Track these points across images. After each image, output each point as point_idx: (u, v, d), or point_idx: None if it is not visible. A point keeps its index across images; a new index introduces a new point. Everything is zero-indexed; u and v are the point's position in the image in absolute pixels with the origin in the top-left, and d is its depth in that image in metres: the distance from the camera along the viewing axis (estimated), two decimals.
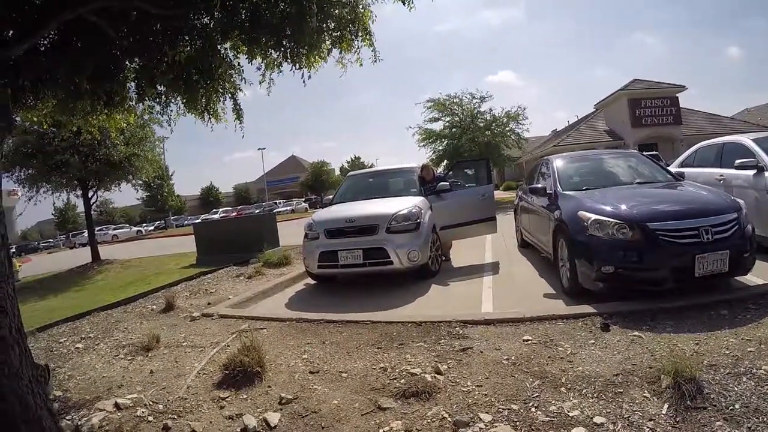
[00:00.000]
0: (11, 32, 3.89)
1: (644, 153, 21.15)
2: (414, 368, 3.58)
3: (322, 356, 4.16)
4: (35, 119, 5.32)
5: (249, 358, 3.82)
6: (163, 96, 4.96)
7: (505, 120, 26.82)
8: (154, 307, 7.17)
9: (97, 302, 7.86)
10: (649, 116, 30.65)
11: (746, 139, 7.00)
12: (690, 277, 4.47)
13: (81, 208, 19.85)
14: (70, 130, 10.51)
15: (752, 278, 5.06)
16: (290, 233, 12.55)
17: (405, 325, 4.72)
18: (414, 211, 6.87)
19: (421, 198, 7.56)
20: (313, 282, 7.80)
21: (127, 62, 4.68)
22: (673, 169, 8.13)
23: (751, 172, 6.45)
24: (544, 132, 53.97)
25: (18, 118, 5.57)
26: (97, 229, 19.05)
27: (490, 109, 27.50)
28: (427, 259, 6.82)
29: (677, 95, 31.13)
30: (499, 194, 28.52)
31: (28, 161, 13.87)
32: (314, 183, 62.93)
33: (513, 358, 3.64)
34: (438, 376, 3.39)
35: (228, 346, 4.68)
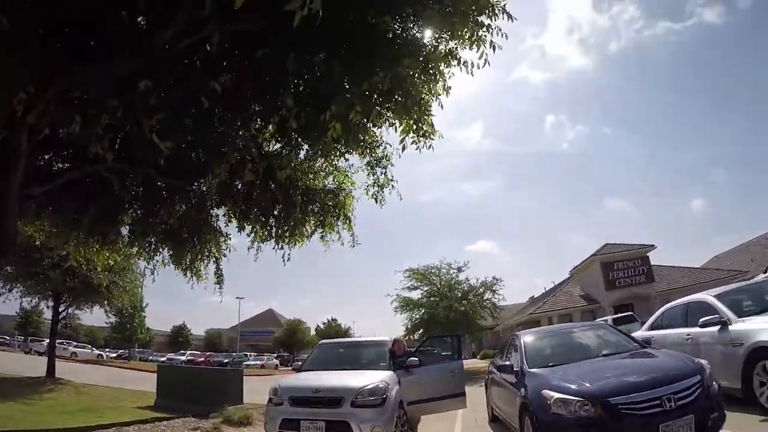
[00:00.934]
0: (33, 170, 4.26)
1: (619, 314, 21.07)
2: None
3: None
4: (30, 233, 5.52)
5: None
6: (152, 245, 5.26)
7: (482, 290, 27.67)
8: None
9: (43, 423, 7.48)
10: (622, 278, 31.49)
11: (708, 297, 7.26)
12: None
13: (47, 315, 19.25)
14: (59, 254, 10.68)
15: None
16: (255, 389, 12.13)
17: None
18: (381, 386, 6.78)
19: (390, 372, 7.50)
20: None
21: (126, 210, 5.04)
22: (642, 332, 8.28)
23: (715, 329, 6.61)
24: (522, 299, 54.50)
25: None
26: (57, 341, 18.32)
27: (467, 279, 28.55)
28: None
29: (648, 254, 32.32)
30: (475, 363, 28.50)
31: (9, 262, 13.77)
32: (288, 340, 61.97)
33: None
34: None
35: None
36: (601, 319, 21.17)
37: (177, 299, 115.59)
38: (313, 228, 4.81)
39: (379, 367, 7.74)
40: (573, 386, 5.01)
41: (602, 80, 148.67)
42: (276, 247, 4.76)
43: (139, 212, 5.06)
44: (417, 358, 8.00)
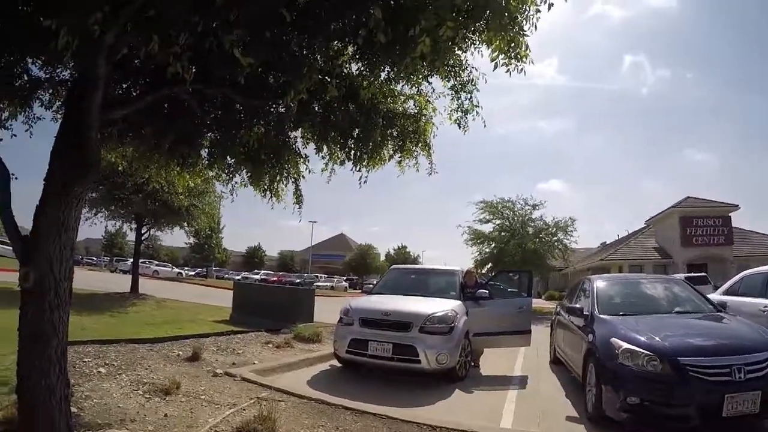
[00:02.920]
0: (112, 97, 4.43)
1: (692, 273, 20.19)
2: None
3: None
4: (113, 159, 5.81)
5: (263, 427, 3.90)
6: (231, 167, 5.40)
7: (554, 230, 26.78)
8: (180, 353, 7.29)
9: (127, 333, 8.04)
10: (700, 235, 29.97)
11: None
12: (717, 416, 4.31)
13: (131, 237, 20.87)
14: (141, 176, 11.24)
15: None
16: (326, 310, 12.67)
17: (420, 426, 4.68)
18: (450, 314, 6.95)
19: (459, 302, 7.60)
20: (339, 365, 7.82)
21: (205, 132, 5.17)
22: (717, 296, 7.91)
23: None
24: (591, 243, 53.09)
25: None
26: (140, 261, 19.84)
27: (541, 217, 27.69)
28: (455, 363, 6.80)
29: (730, 215, 30.45)
30: (540, 303, 28.12)
31: (96, 188, 14.77)
32: (358, 264, 63.44)
33: None
34: None
35: (244, 410, 4.75)
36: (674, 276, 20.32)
37: (253, 222, 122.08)
38: (391, 152, 4.75)
39: (449, 295, 7.89)
40: (643, 338, 4.92)
41: (686, 21, 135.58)
42: (354, 169, 4.75)
43: (218, 135, 5.15)
44: (487, 291, 8.07)
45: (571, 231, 26.80)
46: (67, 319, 3.05)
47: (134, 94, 4.53)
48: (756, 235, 32.53)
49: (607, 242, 48.93)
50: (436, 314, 6.86)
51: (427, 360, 6.52)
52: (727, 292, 8.32)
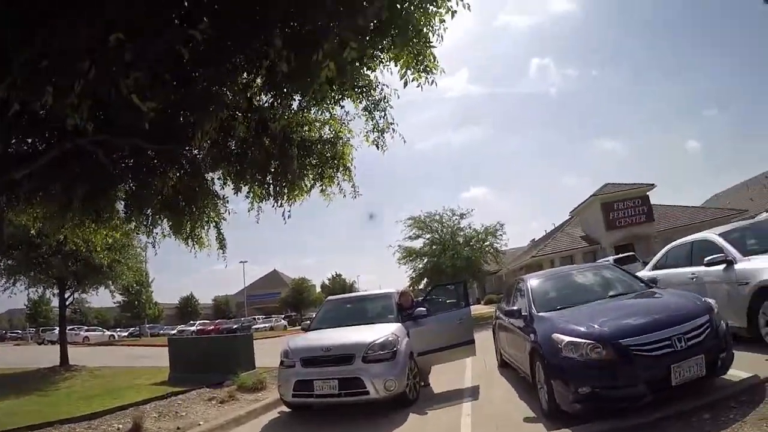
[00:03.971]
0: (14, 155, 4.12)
1: (620, 254, 21.29)
2: None
3: None
4: (24, 222, 5.41)
5: None
6: (150, 219, 5.13)
7: (484, 236, 27.54)
8: (120, 426, 6.81)
9: (61, 413, 7.51)
10: (622, 217, 31.68)
11: (713, 235, 7.21)
12: (667, 387, 4.46)
13: (55, 303, 19.51)
14: (57, 239, 10.57)
15: (735, 372, 5.00)
16: (267, 352, 12.24)
17: None
18: (390, 339, 6.85)
19: (398, 325, 7.53)
20: (288, 410, 7.52)
21: (118, 184, 4.89)
22: (646, 272, 8.30)
23: (720, 267, 6.57)
24: (521, 243, 55.19)
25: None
26: (68, 328, 18.54)
27: (470, 225, 28.48)
28: (404, 387, 6.69)
29: (647, 193, 32.41)
30: (480, 309, 28.64)
31: (10, 253, 13.81)
32: (295, 300, 62.62)
33: None
34: None
35: None
36: (603, 259, 21.35)
37: (183, 271, 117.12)
38: (312, 182, 4.67)
39: (387, 319, 7.81)
40: (582, 329, 5.00)
41: (588, 23, 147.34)
42: (275, 205, 4.63)
43: (131, 185, 4.91)
44: (424, 309, 8.05)
45: (501, 234, 27.84)
46: None
47: (32, 150, 4.24)
48: (674, 209, 34.60)
49: (536, 239, 50.77)
50: (377, 341, 6.74)
51: (375, 389, 6.38)
52: (655, 267, 8.69)
